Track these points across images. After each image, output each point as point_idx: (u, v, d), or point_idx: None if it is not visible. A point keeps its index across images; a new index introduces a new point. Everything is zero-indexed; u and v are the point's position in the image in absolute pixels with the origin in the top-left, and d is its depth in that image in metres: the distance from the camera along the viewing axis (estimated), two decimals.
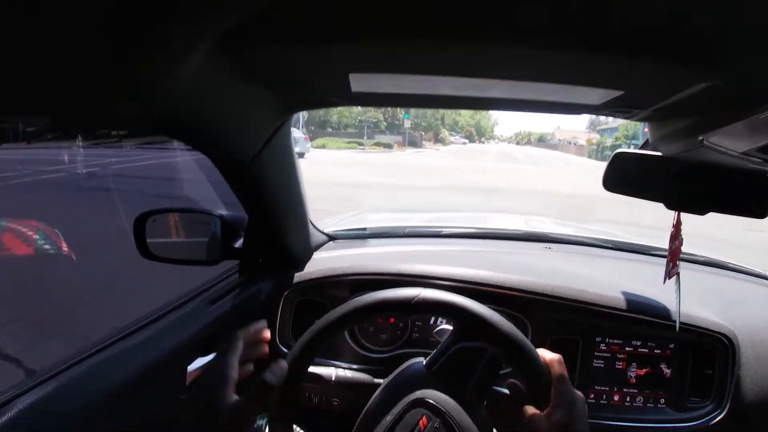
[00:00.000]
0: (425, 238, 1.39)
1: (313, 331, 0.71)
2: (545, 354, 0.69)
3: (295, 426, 0.90)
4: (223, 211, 1.01)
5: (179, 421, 0.69)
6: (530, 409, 0.67)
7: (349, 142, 31.22)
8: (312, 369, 0.90)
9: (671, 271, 1.02)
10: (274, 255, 1.07)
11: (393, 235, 1.40)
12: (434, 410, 0.69)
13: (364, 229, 1.42)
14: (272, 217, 0.98)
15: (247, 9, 0.40)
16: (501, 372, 0.75)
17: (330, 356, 1.09)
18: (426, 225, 1.52)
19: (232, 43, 0.48)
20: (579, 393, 0.67)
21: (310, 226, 1.17)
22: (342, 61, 0.58)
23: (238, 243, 1.01)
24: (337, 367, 1.03)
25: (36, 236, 1.42)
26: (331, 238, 1.32)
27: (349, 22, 0.46)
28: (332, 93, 0.76)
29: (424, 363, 0.75)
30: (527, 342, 0.68)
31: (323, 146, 27.57)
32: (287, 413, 0.72)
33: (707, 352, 1.07)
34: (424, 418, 0.69)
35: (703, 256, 1.47)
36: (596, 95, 0.66)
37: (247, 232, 1.01)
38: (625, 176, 0.91)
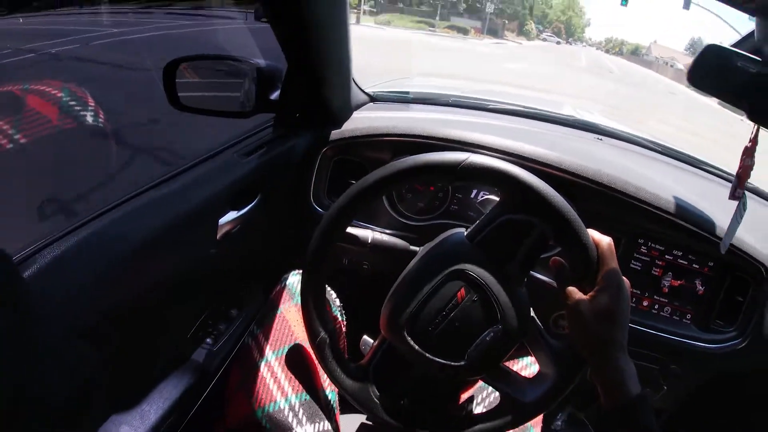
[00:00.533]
0: (471, 110, 1.31)
1: (350, 194, 0.68)
2: (596, 235, 0.66)
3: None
4: (260, 60, 0.94)
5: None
6: (574, 291, 0.65)
7: (418, 22, 27.86)
8: (349, 229, 0.89)
9: (737, 190, 0.95)
10: (313, 109, 1.02)
11: (437, 103, 1.33)
12: (473, 283, 0.67)
13: (408, 93, 1.35)
14: (314, 68, 0.91)
15: None
16: (544, 255, 0.73)
17: (364, 219, 1.08)
18: (473, 96, 1.42)
19: None
20: (625, 279, 0.64)
21: (352, 83, 1.10)
22: None
23: (275, 95, 0.96)
24: (372, 230, 1.03)
25: (61, 94, 1.37)
26: (373, 99, 1.26)
27: None
28: None
29: (465, 234, 0.72)
30: (579, 220, 0.64)
31: (387, 23, 25.01)
32: (321, 270, 0.71)
33: (743, 279, 1.05)
34: (462, 290, 0.67)
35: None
36: None
37: (285, 83, 0.95)
38: (715, 72, 0.83)
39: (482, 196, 1.06)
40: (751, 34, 0.87)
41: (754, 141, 0.93)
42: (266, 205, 0.95)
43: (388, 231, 1.06)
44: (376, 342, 0.74)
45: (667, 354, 1.09)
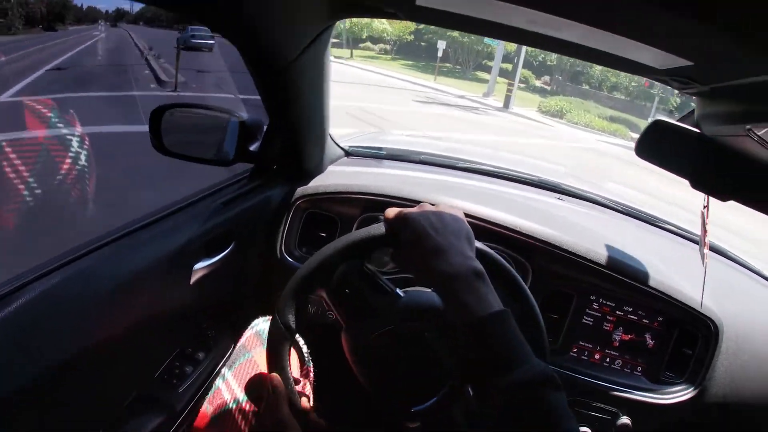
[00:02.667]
0: (440, 167, 1.37)
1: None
2: (387, 213, 0.68)
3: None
4: (243, 113, 0.99)
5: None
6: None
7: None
8: None
9: (705, 253, 1.02)
10: (289, 162, 1.06)
11: (408, 160, 1.39)
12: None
13: (381, 148, 1.41)
14: (293, 125, 0.96)
15: None
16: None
17: None
18: (442, 154, 1.49)
19: None
20: (418, 211, 0.65)
21: (328, 139, 1.15)
22: None
23: (255, 146, 1.00)
24: None
25: (50, 114, 1.39)
26: (347, 153, 1.31)
27: None
28: (393, 1, 0.72)
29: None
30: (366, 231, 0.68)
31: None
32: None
33: (691, 332, 1.10)
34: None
35: (707, 241, 1.45)
36: (664, 60, 0.63)
37: (265, 137, 1.00)
38: (659, 146, 0.88)
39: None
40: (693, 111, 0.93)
41: (707, 209, 0.99)
42: (239, 252, 0.98)
43: None
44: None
45: (618, 405, 1.11)
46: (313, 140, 1.05)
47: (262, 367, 0.87)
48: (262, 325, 0.94)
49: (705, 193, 0.93)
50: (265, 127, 1.02)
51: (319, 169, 1.14)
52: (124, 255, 0.73)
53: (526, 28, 0.68)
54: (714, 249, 1.39)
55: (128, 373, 0.80)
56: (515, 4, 0.57)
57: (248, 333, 0.94)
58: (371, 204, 1.07)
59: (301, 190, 1.08)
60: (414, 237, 0.62)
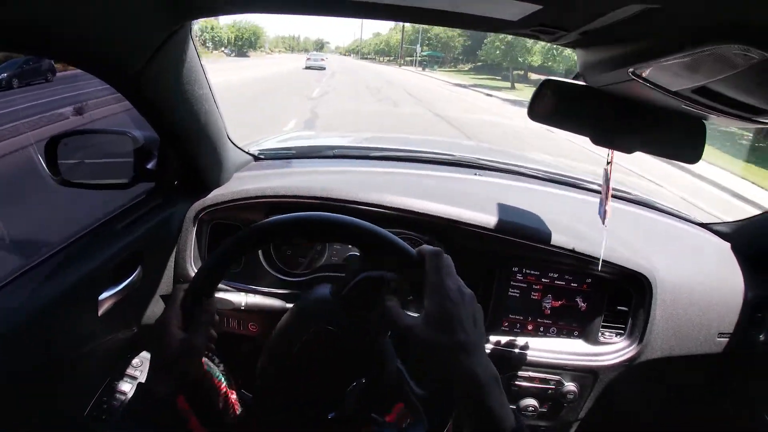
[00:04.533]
0: (353, 159, 1.37)
1: (208, 263, 0.68)
2: (424, 248, 0.63)
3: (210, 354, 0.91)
4: (137, 131, 0.96)
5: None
6: (398, 309, 0.62)
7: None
8: (223, 295, 0.91)
9: (605, 210, 1.00)
10: (189, 176, 1.03)
11: (320, 156, 1.37)
12: (336, 339, 0.69)
13: (291, 149, 1.39)
14: (182, 136, 0.93)
15: None
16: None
17: (245, 280, 1.08)
18: (355, 146, 1.49)
19: None
20: (456, 283, 0.60)
21: (230, 146, 1.13)
22: None
23: (152, 165, 0.96)
24: (255, 292, 1.03)
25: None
26: (256, 157, 1.29)
27: None
28: None
29: (330, 290, 0.75)
30: (395, 238, 0.65)
31: None
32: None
33: (624, 289, 1.10)
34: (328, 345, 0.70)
35: (633, 194, 1.47)
36: (513, 9, 0.60)
37: (159, 153, 0.97)
38: (552, 106, 0.84)
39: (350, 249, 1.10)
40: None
41: (611, 164, 0.98)
42: (146, 276, 0.95)
43: (277, 290, 1.07)
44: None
45: (561, 373, 1.10)
46: (209, 150, 1.02)
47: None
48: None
49: (607, 147, 0.91)
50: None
51: (223, 179, 1.11)
52: (26, 291, 0.71)
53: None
54: (639, 202, 1.42)
55: (52, 417, 0.76)
56: None
57: None
58: (275, 207, 1.05)
59: (200, 203, 1.05)
60: (446, 318, 0.57)
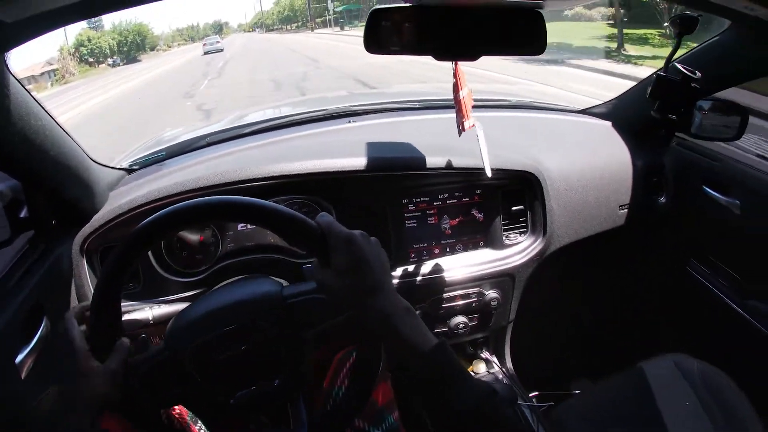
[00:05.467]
0: (227, 141, 1.35)
1: (99, 281, 0.67)
2: (320, 220, 0.65)
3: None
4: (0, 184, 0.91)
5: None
6: (311, 268, 0.66)
7: None
8: (127, 317, 0.89)
9: (464, 122, 1.03)
10: (63, 212, 1.00)
11: (192, 149, 1.34)
12: (267, 340, 0.70)
13: (161, 150, 1.34)
14: (40, 174, 0.88)
15: None
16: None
17: (151, 296, 1.06)
18: (225, 128, 1.47)
19: None
20: (358, 232, 0.64)
21: (96, 167, 1.08)
22: None
23: (25, 212, 0.93)
24: (161, 302, 1.01)
25: None
26: (129, 170, 1.25)
27: None
28: None
29: (282, 291, 0.74)
30: (294, 214, 0.64)
31: None
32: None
33: (517, 190, 1.14)
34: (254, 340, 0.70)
35: (509, 100, 1.52)
36: None
37: (27, 198, 0.93)
38: (386, 34, 0.81)
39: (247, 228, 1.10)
40: None
41: (456, 77, 1.01)
42: (54, 324, 0.89)
43: (173, 298, 1.05)
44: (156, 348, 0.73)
45: (479, 283, 1.15)
46: (72, 179, 0.96)
47: None
48: None
49: (450, 60, 0.93)
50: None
51: (98, 203, 1.06)
52: None
53: None
54: (518, 106, 1.46)
55: None
56: None
57: None
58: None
59: (81, 234, 1.01)
60: (353, 266, 0.61)
